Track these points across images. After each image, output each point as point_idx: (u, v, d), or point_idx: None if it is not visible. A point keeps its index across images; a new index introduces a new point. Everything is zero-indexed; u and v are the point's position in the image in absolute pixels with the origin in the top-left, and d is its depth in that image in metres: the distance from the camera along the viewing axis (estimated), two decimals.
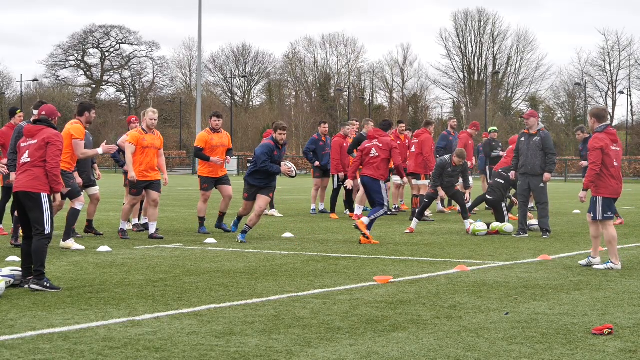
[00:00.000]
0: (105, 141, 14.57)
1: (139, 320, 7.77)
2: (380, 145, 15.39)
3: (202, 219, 16.47)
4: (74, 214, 13.66)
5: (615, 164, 11.76)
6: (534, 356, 6.59)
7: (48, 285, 9.38)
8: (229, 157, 16.72)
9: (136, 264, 11.81)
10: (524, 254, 13.44)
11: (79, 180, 14.11)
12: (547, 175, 16.01)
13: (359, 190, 21.90)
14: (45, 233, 9.55)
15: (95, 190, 15.45)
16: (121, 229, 15.29)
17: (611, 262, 11.69)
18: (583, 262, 11.98)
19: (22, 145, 9.86)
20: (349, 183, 16.25)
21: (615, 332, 7.42)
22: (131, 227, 16.35)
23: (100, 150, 13.62)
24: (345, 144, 20.85)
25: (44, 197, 9.60)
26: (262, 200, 14.94)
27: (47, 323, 7.63)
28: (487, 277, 10.79)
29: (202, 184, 16.47)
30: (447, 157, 17.68)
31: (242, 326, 7.56)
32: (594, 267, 11.72)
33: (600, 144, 11.65)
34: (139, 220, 16.72)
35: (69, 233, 13.68)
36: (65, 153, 13.36)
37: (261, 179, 14.99)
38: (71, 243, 13.56)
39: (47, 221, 9.56)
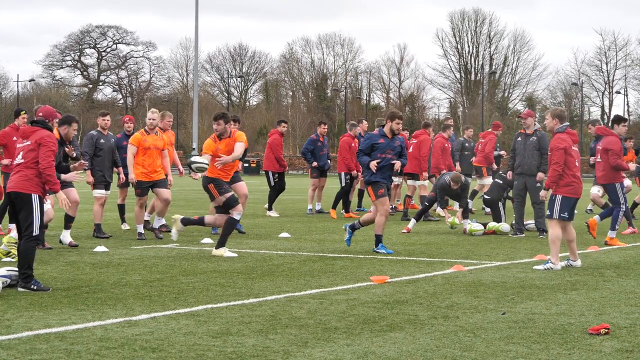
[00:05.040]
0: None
1: (135, 321, 7.77)
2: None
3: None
4: (231, 223, 12.76)
5: (577, 164, 11.77)
6: (531, 356, 6.59)
7: (35, 287, 9.36)
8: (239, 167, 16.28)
9: (133, 264, 11.81)
10: (520, 253, 13.44)
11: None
12: (540, 174, 16.01)
13: (356, 189, 22.06)
14: (33, 235, 9.50)
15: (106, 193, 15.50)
16: (139, 232, 15.19)
17: (551, 262, 11.54)
18: (561, 264, 11.73)
19: (18, 146, 9.85)
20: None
21: (611, 331, 7.42)
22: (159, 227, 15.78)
23: (229, 158, 12.78)
24: (353, 144, 21.21)
25: (35, 198, 9.54)
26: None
27: (43, 323, 7.62)
28: (483, 277, 10.79)
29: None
30: (446, 179, 17.33)
31: (239, 326, 7.56)
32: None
33: (564, 145, 11.70)
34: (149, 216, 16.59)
35: (223, 242, 12.79)
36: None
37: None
38: (223, 251, 12.72)
39: (36, 223, 9.51)
